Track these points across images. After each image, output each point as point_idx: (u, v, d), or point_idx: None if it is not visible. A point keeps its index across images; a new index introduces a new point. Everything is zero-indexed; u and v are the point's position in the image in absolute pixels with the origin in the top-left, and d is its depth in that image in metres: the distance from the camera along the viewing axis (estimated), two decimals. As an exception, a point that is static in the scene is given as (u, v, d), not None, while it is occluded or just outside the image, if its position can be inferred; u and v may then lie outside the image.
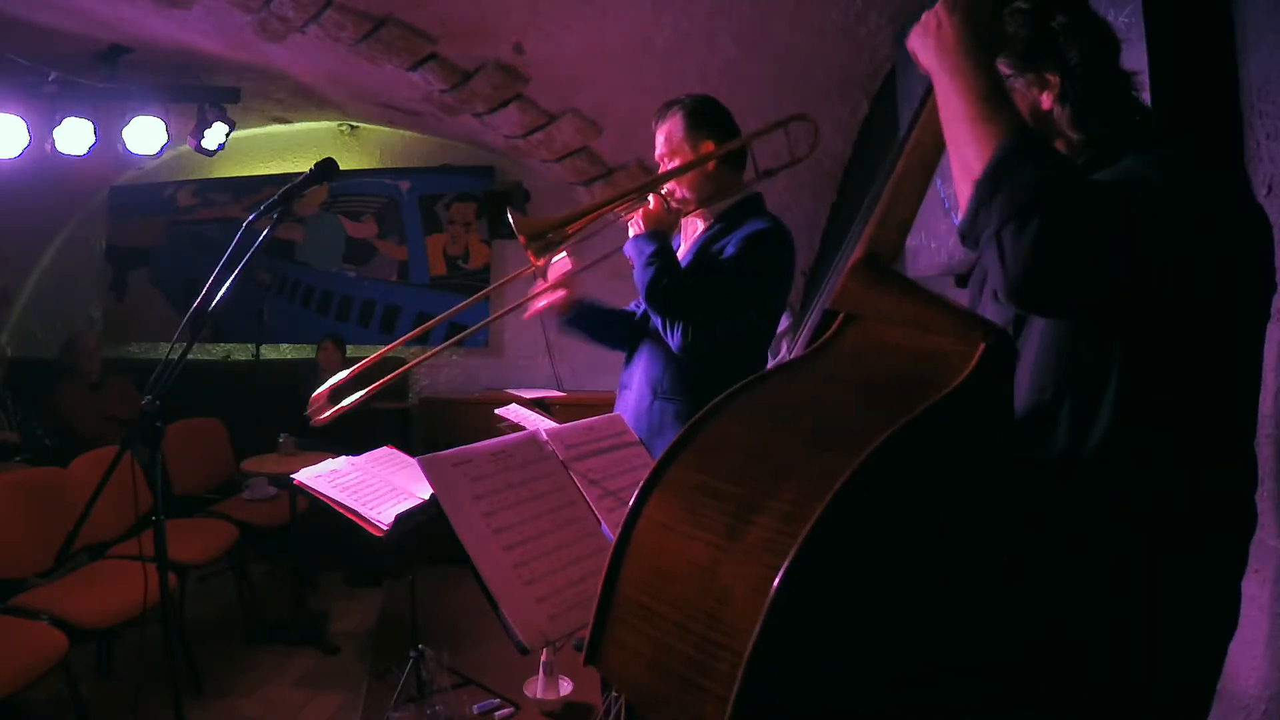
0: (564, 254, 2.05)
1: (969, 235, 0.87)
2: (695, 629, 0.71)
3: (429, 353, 2.55)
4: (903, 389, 0.78)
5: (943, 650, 0.77)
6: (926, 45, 0.96)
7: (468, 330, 2.58)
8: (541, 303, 2.07)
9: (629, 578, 0.79)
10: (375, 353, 2.01)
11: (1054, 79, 1.02)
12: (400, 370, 2.00)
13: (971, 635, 0.81)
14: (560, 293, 2.05)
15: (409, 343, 5.46)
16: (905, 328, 0.84)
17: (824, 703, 0.71)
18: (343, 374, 1.92)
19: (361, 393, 1.87)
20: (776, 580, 0.65)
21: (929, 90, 0.97)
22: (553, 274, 2.08)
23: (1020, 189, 0.82)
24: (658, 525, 0.79)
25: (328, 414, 1.85)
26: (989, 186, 0.84)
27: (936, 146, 0.97)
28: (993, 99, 0.90)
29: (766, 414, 0.84)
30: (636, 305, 2.14)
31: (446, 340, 5.64)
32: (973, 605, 0.81)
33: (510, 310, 2.18)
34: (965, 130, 0.88)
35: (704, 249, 2.00)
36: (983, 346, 0.77)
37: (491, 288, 2.81)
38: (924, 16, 0.99)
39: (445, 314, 2.28)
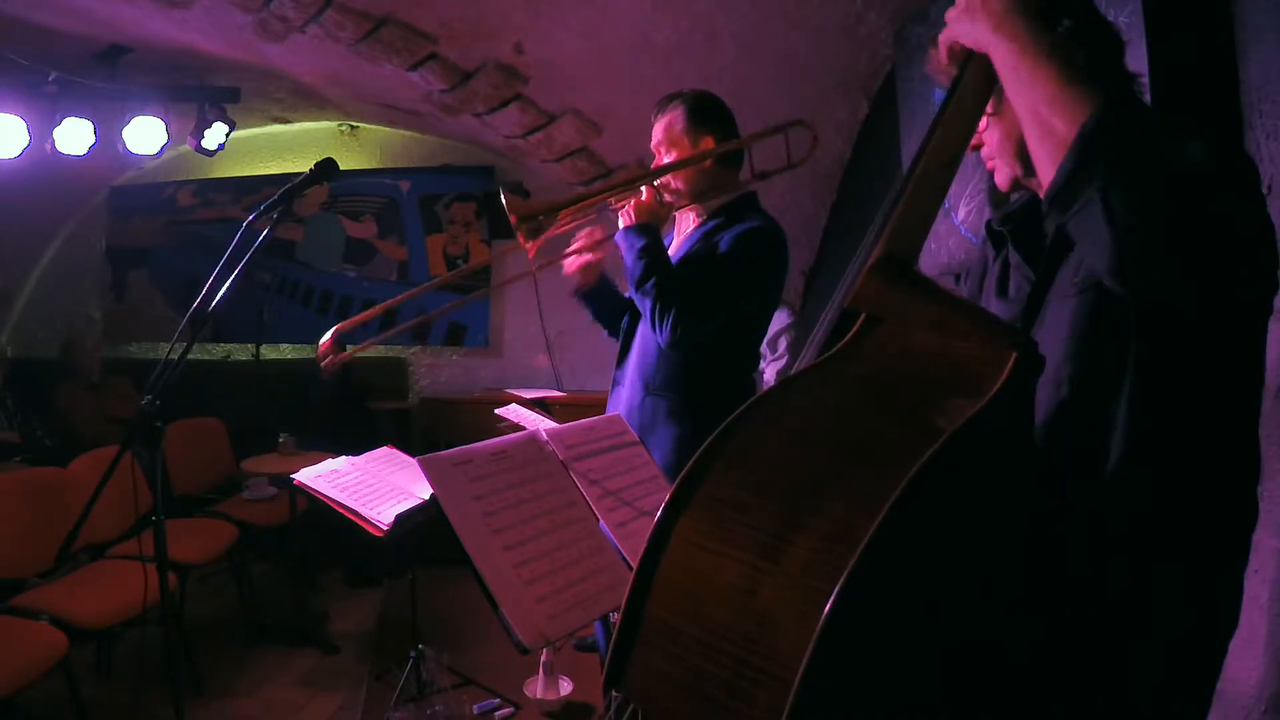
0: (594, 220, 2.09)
1: (1061, 197, 0.84)
2: (730, 652, 0.68)
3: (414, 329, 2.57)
4: (933, 399, 0.76)
5: (987, 662, 0.75)
6: (976, 20, 0.94)
7: (456, 305, 2.59)
8: (575, 262, 2.12)
9: (657, 597, 0.76)
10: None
11: None
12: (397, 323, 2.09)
13: (1006, 644, 0.79)
14: (595, 255, 2.10)
15: (407, 339, 5.44)
16: (929, 332, 0.82)
17: None
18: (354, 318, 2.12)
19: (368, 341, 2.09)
20: (829, 604, 0.62)
21: (954, 86, 0.96)
22: (584, 239, 2.11)
23: (1128, 146, 0.80)
24: (689, 543, 0.75)
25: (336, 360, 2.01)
26: (1090, 145, 0.81)
27: (960, 144, 0.95)
28: (1067, 59, 0.88)
29: (796, 424, 0.81)
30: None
31: (447, 339, 5.62)
32: (1010, 615, 0.80)
33: (504, 284, 2.26)
34: (1046, 94, 0.87)
35: (699, 243, 2.01)
36: (1015, 355, 0.75)
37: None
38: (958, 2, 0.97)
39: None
